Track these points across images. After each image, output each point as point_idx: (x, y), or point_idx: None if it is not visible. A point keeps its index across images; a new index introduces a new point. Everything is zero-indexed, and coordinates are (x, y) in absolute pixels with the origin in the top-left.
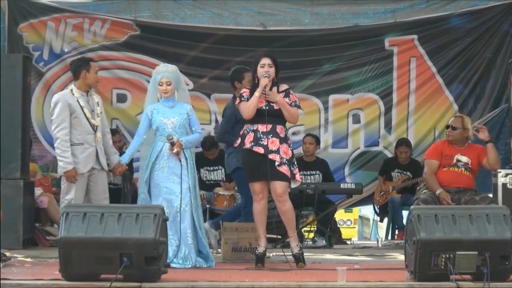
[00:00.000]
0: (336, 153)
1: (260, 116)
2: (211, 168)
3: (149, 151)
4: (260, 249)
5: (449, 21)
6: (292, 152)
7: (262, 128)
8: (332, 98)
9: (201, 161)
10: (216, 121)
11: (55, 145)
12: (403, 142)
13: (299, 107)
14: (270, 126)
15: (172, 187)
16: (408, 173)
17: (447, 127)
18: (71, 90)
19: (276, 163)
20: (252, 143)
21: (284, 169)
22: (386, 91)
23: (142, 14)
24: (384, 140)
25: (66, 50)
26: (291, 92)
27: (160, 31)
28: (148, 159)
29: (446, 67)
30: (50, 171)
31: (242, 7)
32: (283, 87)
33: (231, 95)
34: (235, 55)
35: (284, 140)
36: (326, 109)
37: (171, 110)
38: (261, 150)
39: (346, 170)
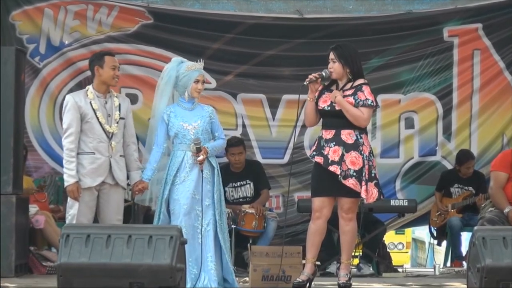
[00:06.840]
0: (386, 164)
1: (324, 118)
2: (237, 183)
3: (167, 163)
4: (302, 277)
5: None
6: (364, 161)
7: (326, 134)
8: (381, 98)
9: (225, 178)
10: (243, 126)
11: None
12: (468, 157)
13: (370, 106)
14: (333, 131)
15: (193, 204)
16: (470, 188)
17: None
18: (87, 90)
19: (339, 177)
20: (314, 152)
21: (351, 182)
22: (445, 90)
23: (156, 0)
24: (443, 149)
25: (66, 42)
26: (364, 87)
27: (177, 19)
28: (166, 172)
29: None
30: (48, 184)
31: None
32: (358, 81)
33: (261, 95)
34: (266, 47)
35: (352, 147)
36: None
37: (192, 113)
38: (321, 160)
39: (398, 184)
